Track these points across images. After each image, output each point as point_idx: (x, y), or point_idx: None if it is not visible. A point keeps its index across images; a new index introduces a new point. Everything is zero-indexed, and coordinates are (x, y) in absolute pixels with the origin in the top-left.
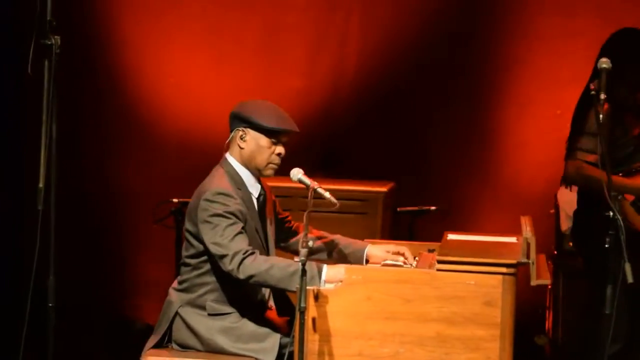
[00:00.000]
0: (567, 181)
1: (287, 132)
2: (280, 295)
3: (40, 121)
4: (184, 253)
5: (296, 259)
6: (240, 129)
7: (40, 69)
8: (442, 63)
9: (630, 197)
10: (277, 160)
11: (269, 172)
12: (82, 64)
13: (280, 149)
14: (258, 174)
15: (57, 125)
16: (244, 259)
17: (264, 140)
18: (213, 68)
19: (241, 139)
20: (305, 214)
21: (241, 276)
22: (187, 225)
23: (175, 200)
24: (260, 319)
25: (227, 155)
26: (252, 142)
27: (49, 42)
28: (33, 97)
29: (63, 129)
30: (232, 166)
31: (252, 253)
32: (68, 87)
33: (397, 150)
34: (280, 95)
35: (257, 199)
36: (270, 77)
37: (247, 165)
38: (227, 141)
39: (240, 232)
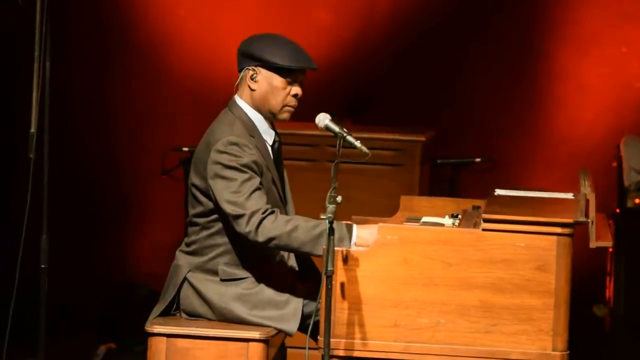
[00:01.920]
0: None
1: (304, 69)
2: (304, 258)
3: (32, 58)
4: (191, 211)
5: (322, 215)
6: (250, 68)
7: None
8: None
9: None
10: (293, 102)
11: (285, 115)
12: None
13: (296, 90)
14: (272, 118)
15: (51, 63)
16: (262, 219)
17: (277, 80)
18: None
19: (252, 79)
20: (334, 165)
21: (260, 239)
22: (194, 178)
23: (185, 149)
24: (279, 284)
25: (237, 98)
26: (264, 82)
27: None
28: (25, 32)
29: (59, 69)
30: (242, 110)
31: (272, 212)
32: (65, 20)
33: (436, 95)
34: (304, 31)
35: (272, 146)
36: (293, 9)
37: (259, 108)
38: (236, 83)
39: (257, 188)
